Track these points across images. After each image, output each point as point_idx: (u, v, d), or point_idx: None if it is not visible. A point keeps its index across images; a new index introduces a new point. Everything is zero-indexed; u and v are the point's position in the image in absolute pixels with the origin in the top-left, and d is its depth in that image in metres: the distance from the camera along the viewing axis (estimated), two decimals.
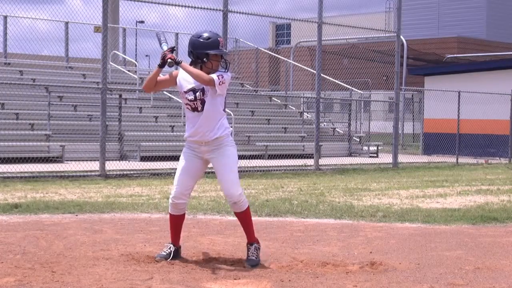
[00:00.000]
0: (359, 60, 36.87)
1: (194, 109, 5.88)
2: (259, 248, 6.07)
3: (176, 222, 6.14)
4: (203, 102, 5.85)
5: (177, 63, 5.87)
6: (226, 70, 5.93)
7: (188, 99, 5.89)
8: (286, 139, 22.04)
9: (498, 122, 24.31)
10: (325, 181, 14.18)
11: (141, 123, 20.01)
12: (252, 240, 6.05)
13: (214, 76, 5.79)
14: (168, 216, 6.24)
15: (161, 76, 6.10)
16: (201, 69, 5.86)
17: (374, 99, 33.17)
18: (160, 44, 6.01)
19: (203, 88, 5.84)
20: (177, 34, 25.75)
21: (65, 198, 10.32)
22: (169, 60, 5.86)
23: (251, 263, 5.92)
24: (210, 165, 6.12)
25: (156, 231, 7.68)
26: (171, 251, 6.04)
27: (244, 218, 6.04)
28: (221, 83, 5.81)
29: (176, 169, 6.08)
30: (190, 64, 5.90)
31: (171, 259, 5.98)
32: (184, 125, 22.83)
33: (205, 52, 5.83)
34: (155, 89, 6.11)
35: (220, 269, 5.74)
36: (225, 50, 5.96)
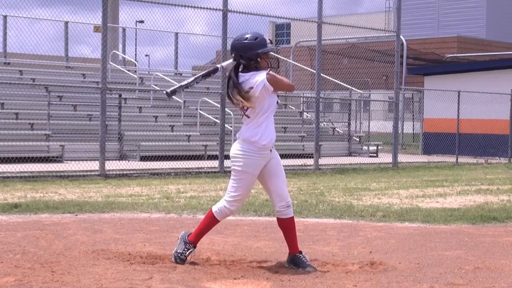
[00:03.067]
0: (359, 59, 36.89)
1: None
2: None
3: (214, 226, 5.97)
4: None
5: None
6: (277, 66, 5.86)
7: (277, 103, 5.80)
8: (285, 138, 22.03)
9: (498, 122, 24.31)
10: (325, 181, 14.18)
11: (141, 122, 20.01)
12: (298, 250, 5.86)
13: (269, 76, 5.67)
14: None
15: None
16: (256, 70, 5.70)
17: (373, 98, 33.20)
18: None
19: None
20: (176, 34, 25.75)
21: (65, 198, 10.32)
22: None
23: (309, 270, 5.74)
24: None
25: (155, 230, 7.67)
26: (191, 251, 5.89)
27: (293, 223, 5.87)
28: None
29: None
30: (243, 70, 5.73)
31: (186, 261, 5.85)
32: (184, 124, 22.50)
33: (256, 53, 5.70)
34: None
35: (220, 269, 5.73)
36: (274, 46, 5.86)
